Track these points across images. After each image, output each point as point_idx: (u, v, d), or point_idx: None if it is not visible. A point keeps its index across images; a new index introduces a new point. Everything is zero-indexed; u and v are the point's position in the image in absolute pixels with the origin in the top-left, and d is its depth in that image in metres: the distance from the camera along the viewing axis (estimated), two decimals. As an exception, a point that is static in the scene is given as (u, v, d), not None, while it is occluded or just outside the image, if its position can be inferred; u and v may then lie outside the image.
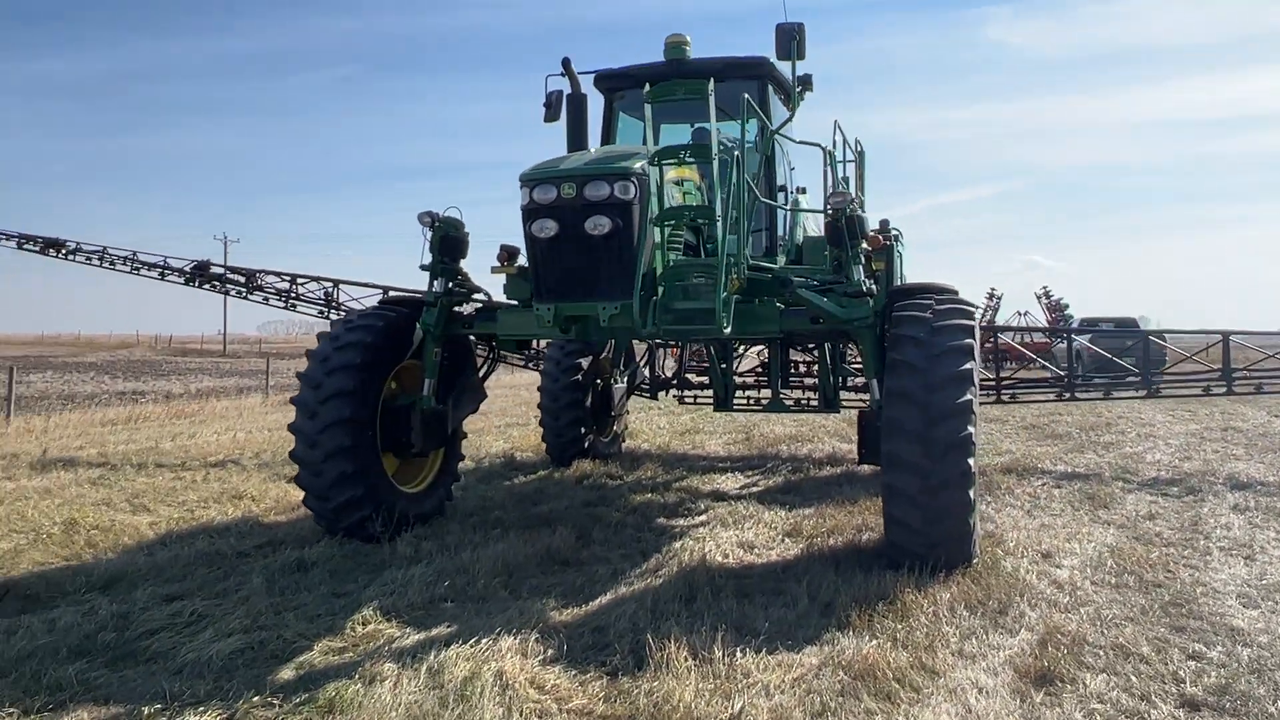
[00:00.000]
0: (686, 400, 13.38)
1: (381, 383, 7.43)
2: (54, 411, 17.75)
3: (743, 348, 12.46)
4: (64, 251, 15.15)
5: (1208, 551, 7.08)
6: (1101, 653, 4.83)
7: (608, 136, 8.91)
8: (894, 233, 10.01)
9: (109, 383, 34.11)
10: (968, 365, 6.09)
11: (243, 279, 14.95)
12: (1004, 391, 12.61)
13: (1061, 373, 12.90)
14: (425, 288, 7.83)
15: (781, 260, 8.32)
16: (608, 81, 8.74)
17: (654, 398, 13.58)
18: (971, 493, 5.97)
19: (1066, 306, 41.81)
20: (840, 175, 9.40)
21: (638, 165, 6.34)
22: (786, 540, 7.38)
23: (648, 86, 6.85)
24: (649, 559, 6.73)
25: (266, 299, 15.12)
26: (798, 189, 9.56)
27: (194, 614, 5.43)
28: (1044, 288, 44.23)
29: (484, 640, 4.80)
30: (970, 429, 5.95)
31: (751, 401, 12.47)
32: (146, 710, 4.04)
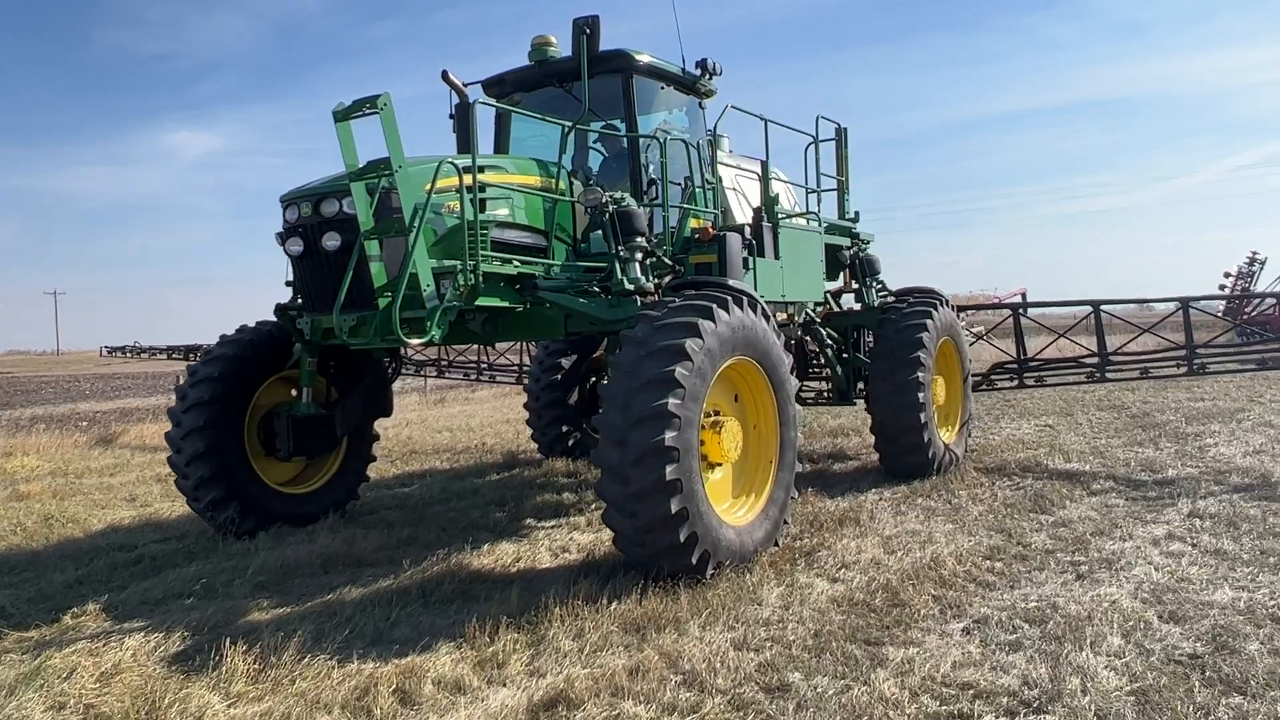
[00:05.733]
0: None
1: (251, 391, 8.04)
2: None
3: None
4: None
5: (1046, 567, 6.20)
6: (667, 678, 4.48)
7: (500, 142, 9.03)
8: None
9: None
10: (673, 367, 5.69)
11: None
12: (1028, 375, 11.28)
13: None
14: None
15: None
16: (492, 88, 8.84)
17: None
18: (675, 503, 5.61)
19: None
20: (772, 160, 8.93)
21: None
22: (611, 546, 7.21)
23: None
24: (433, 561, 6.85)
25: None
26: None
27: (-25, 601, 6.28)
28: (1319, 249, 37.96)
29: (119, 638, 5.24)
30: (668, 434, 5.59)
31: None
32: None
